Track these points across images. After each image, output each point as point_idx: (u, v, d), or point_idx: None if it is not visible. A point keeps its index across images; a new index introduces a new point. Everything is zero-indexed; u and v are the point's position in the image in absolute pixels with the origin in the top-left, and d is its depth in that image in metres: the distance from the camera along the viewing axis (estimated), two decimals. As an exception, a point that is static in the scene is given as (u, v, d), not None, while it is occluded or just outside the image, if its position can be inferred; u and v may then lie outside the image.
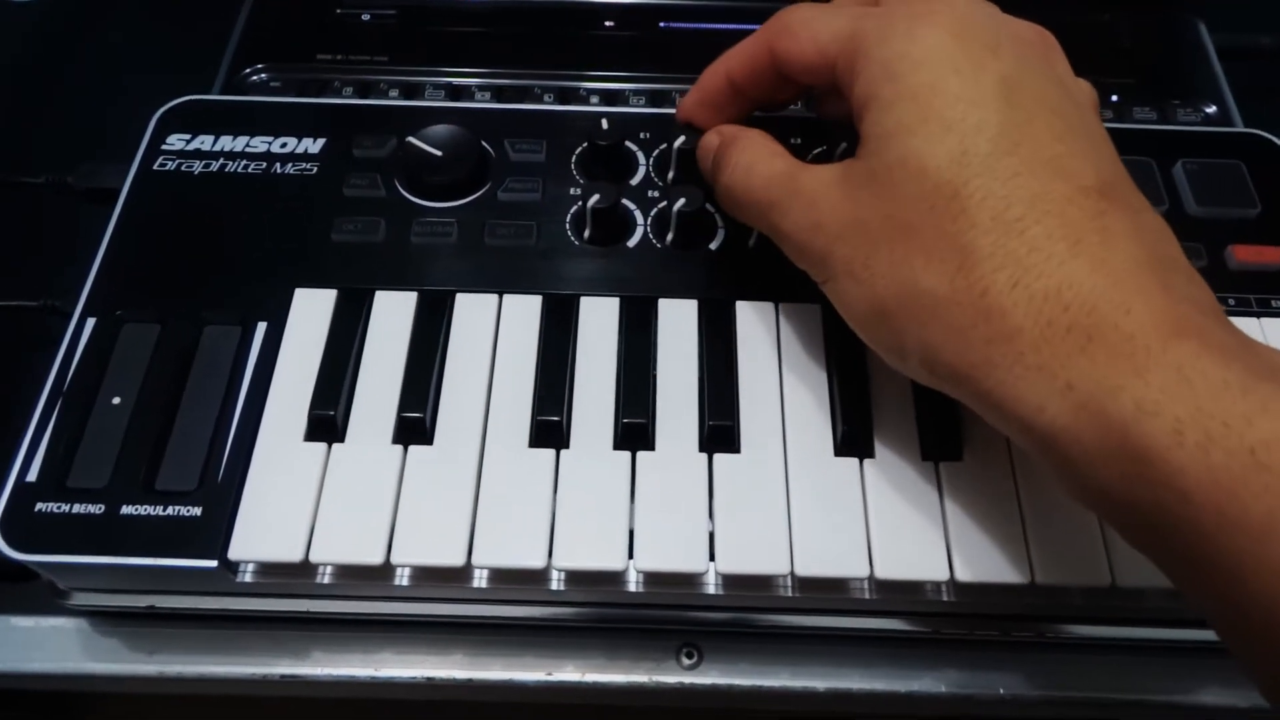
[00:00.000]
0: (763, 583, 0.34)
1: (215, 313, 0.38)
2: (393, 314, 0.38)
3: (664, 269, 0.40)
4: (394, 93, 0.51)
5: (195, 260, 0.39)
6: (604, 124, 0.42)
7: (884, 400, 0.36)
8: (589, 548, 0.33)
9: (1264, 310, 0.39)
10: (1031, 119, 0.29)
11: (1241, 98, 0.52)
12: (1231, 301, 0.39)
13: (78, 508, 0.33)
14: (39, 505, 0.33)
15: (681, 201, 0.39)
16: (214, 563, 0.33)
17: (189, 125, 0.43)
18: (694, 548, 0.33)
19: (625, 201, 0.41)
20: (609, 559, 0.33)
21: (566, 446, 0.35)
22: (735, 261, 0.40)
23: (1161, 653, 0.37)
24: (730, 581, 0.34)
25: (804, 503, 0.34)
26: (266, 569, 0.34)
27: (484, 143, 0.42)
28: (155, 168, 0.42)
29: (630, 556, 0.33)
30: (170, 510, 0.33)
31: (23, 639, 0.37)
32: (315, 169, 0.42)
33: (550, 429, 0.35)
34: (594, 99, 0.52)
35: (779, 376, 0.37)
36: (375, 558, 0.33)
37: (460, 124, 0.42)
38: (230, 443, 0.35)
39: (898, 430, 0.36)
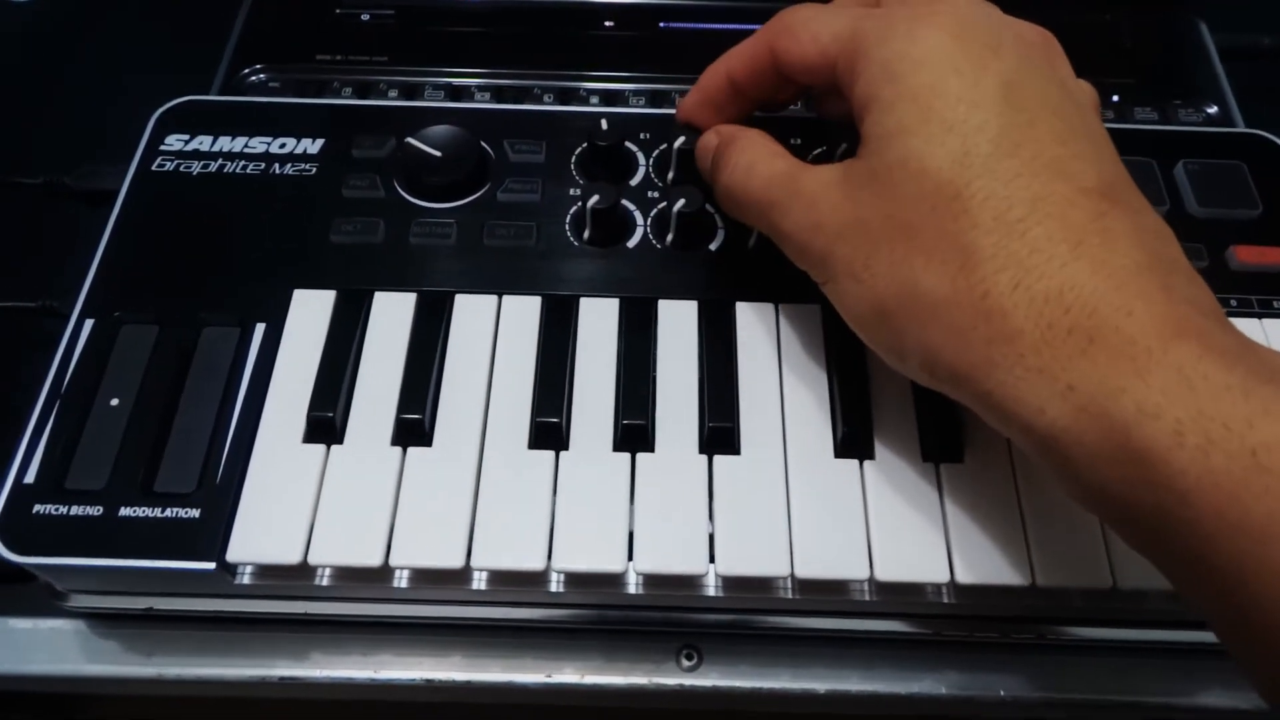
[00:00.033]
0: (763, 584, 0.34)
1: (214, 314, 0.38)
2: (392, 315, 0.38)
3: (664, 270, 0.40)
4: (393, 93, 0.51)
5: (194, 261, 0.39)
6: (604, 124, 0.42)
7: (884, 401, 0.36)
8: (588, 549, 0.33)
9: (1265, 311, 0.39)
10: (1033, 120, 0.29)
11: (1243, 98, 0.52)
12: (1233, 302, 0.39)
13: (76, 509, 0.33)
14: (37, 507, 0.33)
15: (681, 202, 0.39)
16: (212, 565, 0.33)
17: (187, 126, 0.43)
18: (694, 549, 0.33)
19: (625, 202, 0.41)
20: (608, 561, 0.33)
21: (566, 448, 0.35)
22: (735, 262, 0.40)
23: (1162, 655, 0.37)
24: (730, 583, 0.34)
25: (804, 504, 0.34)
26: (265, 571, 0.34)
27: (483, 143, 0.42)
28: (154, 168, 0.42)
29: (630, 558, 0.33)
30: (168, 512, 0.33)
31: (21, 641, 0.37)
32: (314, 169, 0.42)
33: (550, 430, 0.35)
34: (594, 99, 0.52)
35: (779, 378, 0.37)
36: (374, 560, 0.33)
37: (460, 124, 0.42)
38: (229, 444, 0.35)
39: (898, 431, 0.36)
